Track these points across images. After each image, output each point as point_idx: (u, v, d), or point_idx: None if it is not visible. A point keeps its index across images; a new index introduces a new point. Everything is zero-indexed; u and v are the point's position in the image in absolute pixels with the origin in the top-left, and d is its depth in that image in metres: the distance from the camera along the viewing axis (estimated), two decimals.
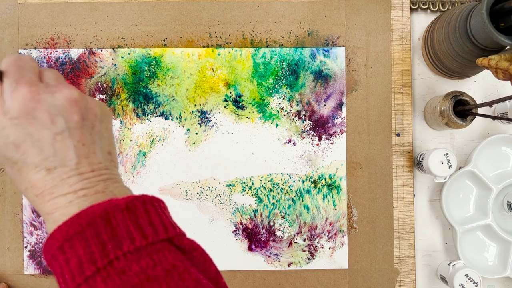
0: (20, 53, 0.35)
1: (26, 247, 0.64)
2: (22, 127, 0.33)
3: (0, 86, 0.34)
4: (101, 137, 0.36)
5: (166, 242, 0.33)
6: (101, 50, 0.65)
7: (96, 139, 0.36)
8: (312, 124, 0.65)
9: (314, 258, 0.65)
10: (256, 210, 0.65)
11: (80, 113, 0.35)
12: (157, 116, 0.65)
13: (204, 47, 0.65)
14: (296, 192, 0.65)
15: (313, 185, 0.65)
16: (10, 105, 0.33)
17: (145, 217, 0.33)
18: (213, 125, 0.65)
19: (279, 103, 0.65)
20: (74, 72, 0.64)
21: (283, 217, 0.65)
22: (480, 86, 0.68)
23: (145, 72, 0.65)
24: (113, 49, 0.65)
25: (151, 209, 0.33)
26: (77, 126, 0.34)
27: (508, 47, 0.53)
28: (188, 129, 0.65)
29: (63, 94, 0.34)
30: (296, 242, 0.65)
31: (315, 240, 0.65)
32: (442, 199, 0.65)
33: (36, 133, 0.33)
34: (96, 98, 0.64)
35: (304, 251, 0.65)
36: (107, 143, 0.37)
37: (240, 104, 0.65)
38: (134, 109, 0.65)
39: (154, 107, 0.65)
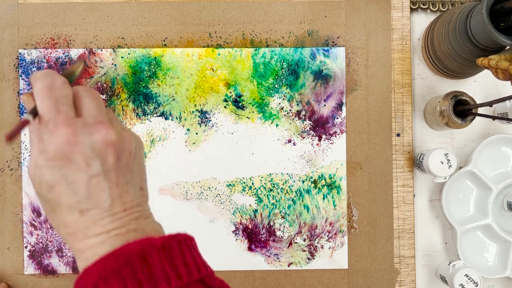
0: (49, 72, 0.35)
1: (26, 247, 0.64)
2: (58, 169, 0.33)
3: (33, 121, 0.34)
4: (133, 174, 0.36)
5: (198, 283, 0.33)
6: (101, 50, 0.65)
7: (129, 178, 0.35)
8: (312, 124, 0.65)
9: (314, 258, 0.65)
10: (256, 210, 0.65)
11: (116, 154, 0.34)
12: (157, 116, 0.65)
13: (204, 47, 0.65)
14: (296, 192, 0.65)
15: (313, 185, 0.65)
16: (46, 145, 0.33)
17: (180, 257, 0.33)
18: (213, 125, 0.65)
19: (279, 103, 0.65)
20: None
21: (283, 217, 0.65)
22: (480, 86, 0.68)
23: (145, 72, 0.65)
24: (113, 49, 0.65)
25: (185, 249, 0.34)
26: (112, 168, 0.34)
27: (508, 47, 0.53)
28: (188, 129, 0.65)
29: (100, 136, 0.33)
30: (296, 242, 0.65)
31: (315, 240, 0.65)
32: (442, 199, 0.65)
33: (71, 175, 0.33)
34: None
35: (304, 251, 0.65)
36: (139, 178, 0.37)
37: (240, 104, 0.65)
38: (134, 109, 0.65)
39: (154, 107, 0.65)
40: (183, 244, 0.34)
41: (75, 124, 0.33)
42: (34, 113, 0.34)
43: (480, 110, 0.65)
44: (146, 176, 0.38)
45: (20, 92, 0.64)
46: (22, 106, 0.64)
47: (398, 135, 0.66)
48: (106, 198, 0.33)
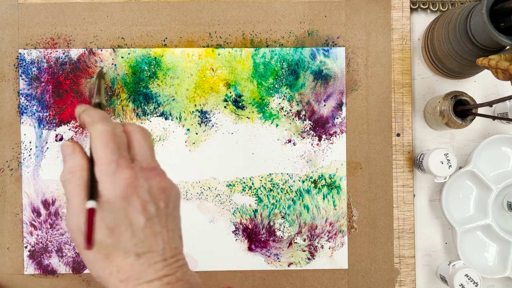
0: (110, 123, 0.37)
1: (26, 247, 0.64)
2: (120, 210, 0.33)
3: (87, 164, 0.34)
4: (176, 222, 0.37)
5: None
6: (101, 50, 0.65)
7: (174, 224, 0.37)
8: (312, 124, 0.65)
9: (314, 258, 0.65)
10: (256, 210, 0.65)
11: (166, 200, 0.36)
12: (157, 116, 0.65)
13: (204, 47, 0.65)
14: (296, 192, 0.65)
15: (313, 185, 0.65)
16: (108, 187, 0.34)
17: None
18: (213, 125, 0.65)
19: (279, 103, 0.65)
20: (74, 72, 0.64)
21: (283, 217, 0.65)
22: (480, 86, 0.68)
23: (145, 72, 0.65)
24: (113, 49, 0.65)
25: None
26: (163, 212, 0.35)
27: (508, 47, 0.53)
28: (188, 129, 0.65)
29: (156, 182, 0.36)
30: (296, 242, 0.65)
31: (315, 240, 0.65)
32: (442, 199, 0.65)
33: (131, 217, 0.34)
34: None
35: (304, 251, 0.65)
36: (179, 227, 0.38)
37: (240, 104, 0.65)
38: (134, 109, 0.65)
39: (154, 107, 0.65)
40: None
41: (135, 169, 0.35)
42: (92, 193, 0.33)
43: (480, 110, 0.65)
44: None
45: (20, 91, 0.64)
46: (22, 106, 0.64)
47: (398, 135, 0.66)
48: (159, 242, 0.34)
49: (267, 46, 0.65)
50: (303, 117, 0.65)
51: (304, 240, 0.65)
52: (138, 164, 0.35)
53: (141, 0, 0.65)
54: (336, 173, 0.65)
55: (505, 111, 0.64)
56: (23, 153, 0.64)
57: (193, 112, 0.65)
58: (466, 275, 0.60)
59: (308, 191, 0.65)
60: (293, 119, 0.65)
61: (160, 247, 0.34)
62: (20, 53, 0.64)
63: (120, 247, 0.33)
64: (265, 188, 0.65)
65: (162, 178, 0.36)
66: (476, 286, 0.59)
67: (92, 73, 0.65)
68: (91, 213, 0.32)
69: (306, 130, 0.65)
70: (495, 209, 0.65)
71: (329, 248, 0.65)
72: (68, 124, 0.64)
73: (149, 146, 0.37)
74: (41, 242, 0.64)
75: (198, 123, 0.65)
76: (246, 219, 0.65)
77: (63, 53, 0.64)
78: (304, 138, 0.65)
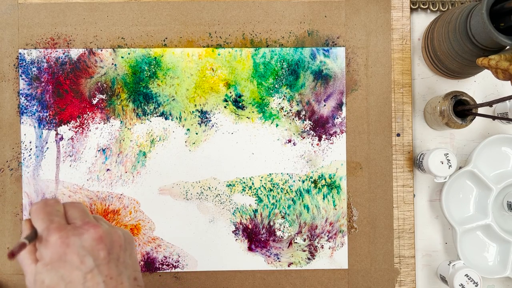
0: (45, 198, 0.43)
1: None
2: (55, 271, 0.36)
3: (34, 242, 0.38)
4: (126, 266, 0.39)
5: None
6: (101, 50, 0.65)
7: (122, 269, 0.39)
8: (312, 124, 0.65)
9: (314, 258, 0.65)
10: (256, 210, 0.65)
11: (106, 249, 0.38)
12: (157, 116, 0.65)
13: (204, 47, 0.65)
14: (296, 192, 0.65)
15: (313, 185, 0.65)
16: (43, 251, 0.37)
17: None
18: (213, 125, 0.65)
19: (279, 103, 0.65)
20: (74, 72, 0.64)
21: (283, 217, 0.65)
22: (480, 86, 0.68)
23: (145, 72, 0.65)
24: (113, 49, 0.65)
25: None
26: (105, 262, 0.37)
27: (508, 47, 0.53)
28: (188, 129, 0.65)
29: (89, 235, 0.38)
30: (296, 242, 0.65)
31: (315, 240, 0.65)
32: (442, 199, 0.65)
33: (68, 275, 0.36)
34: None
35: (304, 251, 0.65)
36: (132, 269, 0.40)
37: (240, 104, 0.65)
38: (134, 109, 0.65)
39: (154, 107, 0.65)
40: None
41: (66, 229, 0.37)
42: (31, 238, 0.38)
43: (480, 110, 0.65)
44: (139, 267, 0.42)
45: (20, 91, 0.64)
46: (22, 106, 0.64)
47: (398, 135, 0.66)
48: None
49: (267, 46, 0.65)
50: (303, 117, 0.65)
51: (304, 240, 0.65)
52: (72, 225, 0.38)
53: (141, 0, 0.65)
54: (336, 173, 0.65)
55: (505, 111, 0.64)
56: (23, 153, 0.64)
57: (193, 112, 0.65)
58: (466, 275, 0.60)
59: (308, 191, 0.65)
60: (293, 119, 0.65)
61: None
62: (20, 53, 0.64)
63: None
64: (265, 188, 0.65)
65: (96, 229, 0.38)
66: (476, 286, 0.59)
67: (92, 73, 0.65)
68: (22, 245, 0.36)
69: (306, 130, 0.65)
70: (495, 209, 0.65)
71: (329, 248, 0.65)
72: (68, 124, 0.64)
73: (81, 209, 0.40)
74: None
75: (198, 123, 0.65)
76: (246, 219, 0.65)
77: (63, 53, 0.64)
78: (304, 138, 0.65)
